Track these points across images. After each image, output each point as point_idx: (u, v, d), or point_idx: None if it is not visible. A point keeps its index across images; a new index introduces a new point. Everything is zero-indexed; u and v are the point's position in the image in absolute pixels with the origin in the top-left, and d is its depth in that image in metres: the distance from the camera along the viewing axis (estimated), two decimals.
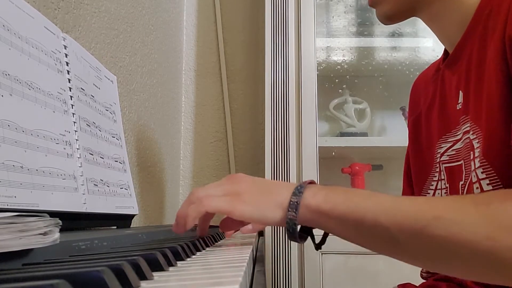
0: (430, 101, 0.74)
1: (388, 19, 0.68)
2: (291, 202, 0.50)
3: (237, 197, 0.53)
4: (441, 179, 0.71)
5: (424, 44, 1.63)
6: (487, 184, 0.53)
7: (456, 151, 0.66)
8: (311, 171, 1.38)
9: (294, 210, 0.49)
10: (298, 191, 0.50)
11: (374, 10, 0.69)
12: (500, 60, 0.52)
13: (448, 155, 0.69)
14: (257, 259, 0.63)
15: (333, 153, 1.61)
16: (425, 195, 0.74)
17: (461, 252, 0.41)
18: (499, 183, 0.52)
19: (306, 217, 0.50)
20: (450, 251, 0.42)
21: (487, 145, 0.53)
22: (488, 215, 0.41)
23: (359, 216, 0.46)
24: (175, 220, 0.58)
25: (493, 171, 0.53)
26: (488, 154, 0.53)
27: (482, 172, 0.54)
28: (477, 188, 0.55)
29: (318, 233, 0.54)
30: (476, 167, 0.55)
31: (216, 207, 0.53)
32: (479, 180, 0.55)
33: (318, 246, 0.57)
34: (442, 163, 0.70)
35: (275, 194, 0.52)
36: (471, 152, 0.58)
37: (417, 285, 0.75)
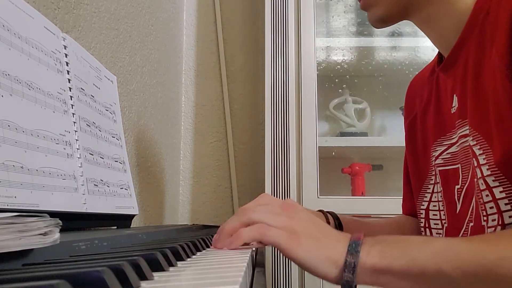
0: (425, 103, 0.74)
1: (380, 22, 0.67)
2: (348, 263, 0.47)
3: (294, 237, 0.50)
4: (437, 183, 0.71)
5: (423, 44, 1.63)
6: (500, 192, 0.54)
7: (452, 155, 0.66)
8: (311, 171, 1.38)
9: (352, 272, 0.46)
10: (354, 250, 0.47)
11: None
12: (506, 70, 0.52)
13: (442, 159, 0.68)
14: (257, 260, 0.62)
15: (333, 153, 1.61)
16: (423, 199, 0.74)
17: None
18: None
19: (363, 279, 0.47)
20: None
21: (502, 155, 0.53)
22: None
23: (420, 268, 0.45)
24: (217, 234, 0.55)
25: (506, 180, 0.53)
26: (502, 163, 0.53)
27: (494, 180, 0.54)
28: (487, 195, 0.55)
29: None
30: (485, 175, 0.55)
31: (274, 241, 0.50)
32: (490, 187, 0.55)
33: None
34: (437, 167, 0.70)
35: (330, 248, 0.49)
36: (474, 159, 0.58)
37: None
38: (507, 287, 0.42)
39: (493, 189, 0.54)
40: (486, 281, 0.43)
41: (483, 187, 0.56)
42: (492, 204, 0.55)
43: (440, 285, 0.45)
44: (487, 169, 0.55)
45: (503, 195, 0.53)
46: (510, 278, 0.41)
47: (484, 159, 0.56)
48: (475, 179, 0.58)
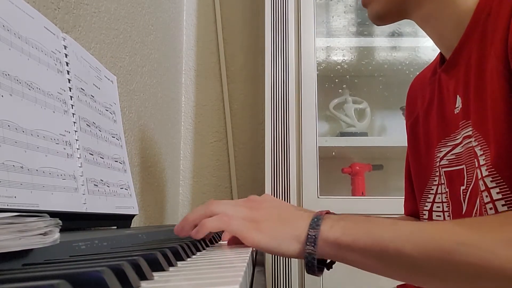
0: (427, 104, 0.74)
1: (379, 19, 0.67)
2: (309, 236, 0.48)
3: (255, 225, 0.52)
4: (441, 183, 0.71)
5: (424, 44, 1.63)
6: (497, 193, 0.54)
7: (456, 156, 0.66)
8: (311, 171, 1.38)
9: (313, 245, 0.48)
10: (316, 223, 0.49)
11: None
12: (503, 70, 0.52)
13: (447, 159, 0.68)
14: (257, 259, 0.63)
15: (333, 153, 1.61)
16: (426, 200, 0.74)
17: (488, 275, 0.41)
18: (509, 191, 0.53)
19: (325, 251, 0.48)
20: (477, 275, 0.42)
21: (497, 156, 0.53)
22: (508, 239, 0.41)
23: (382, 247, 0.46)
24: (181, 222, 0.57)
25: (502, 180, 0.53)
26: (497, 164, 0.53)
27: (491, 181, 0.54)
28: (486, 196, 0.55)
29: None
30: (484, 175, 0.55)
31: (234, 230, 0.52)
32: (488, 188, 0.55)
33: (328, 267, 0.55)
34: (442, 168, 0.70)
35: (292, 226, 0.51)
36: (475, 160, 0.58)
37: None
38: (464, 272, 0.42)
39: (491, 190, 0.54)
40: (445, 265, 0.43)
41: (483, 188, 0.56)
42: (491, 205, 0.55)
43: (402, 265, 0.45)
44: (486, 170, 0.55)
45: (500, 196, 0.53)
46: (465, 264, 0.41)
47: (483, 159, 0.56)
48: (472, 178, 0.58)
